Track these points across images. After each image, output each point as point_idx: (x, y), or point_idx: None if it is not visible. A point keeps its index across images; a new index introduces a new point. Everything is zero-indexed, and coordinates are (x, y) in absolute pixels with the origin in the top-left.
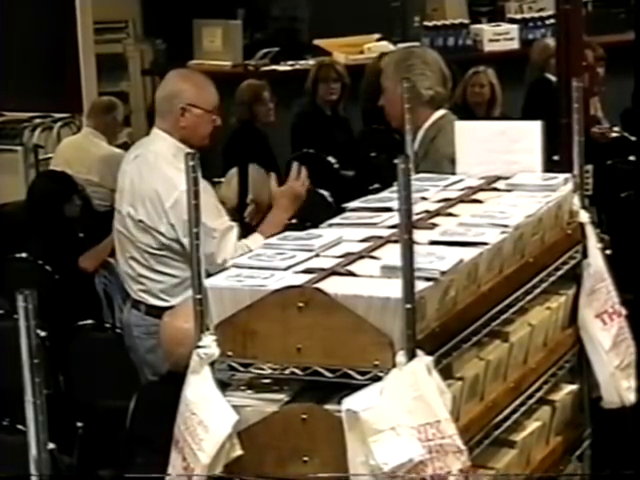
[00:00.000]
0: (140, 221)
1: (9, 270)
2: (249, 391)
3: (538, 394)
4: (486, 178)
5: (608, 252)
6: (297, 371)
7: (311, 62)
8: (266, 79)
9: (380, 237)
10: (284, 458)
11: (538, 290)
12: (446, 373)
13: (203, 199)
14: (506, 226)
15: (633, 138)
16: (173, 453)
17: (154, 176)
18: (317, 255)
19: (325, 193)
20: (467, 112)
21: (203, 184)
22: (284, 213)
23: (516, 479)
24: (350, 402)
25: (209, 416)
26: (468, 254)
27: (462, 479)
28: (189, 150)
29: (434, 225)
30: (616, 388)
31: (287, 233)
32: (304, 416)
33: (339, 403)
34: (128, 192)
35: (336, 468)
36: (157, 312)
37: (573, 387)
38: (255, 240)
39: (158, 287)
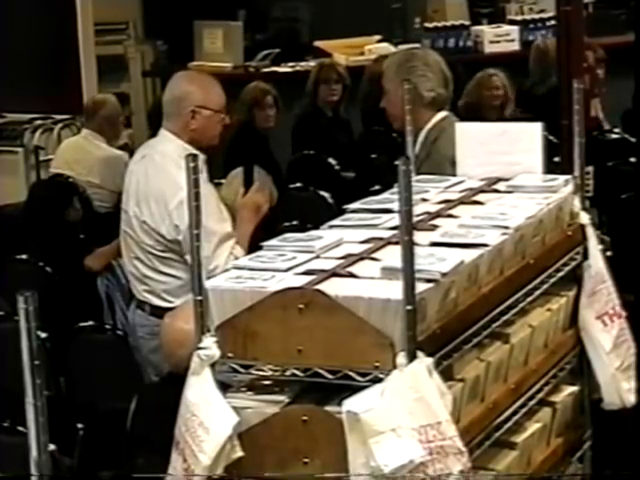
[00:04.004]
0: (144, 222)
1: (10, 271)
2: (250, 392)
3: (539, 395)
4: (487, 179)
5: (609, 253)
6: (298, 372)
7: (312, 63)
8: (270, 82)
9: (381, 238)
10: (285, 459)
11: (539, 291)
12: (447, 374)
13: (207, 201)
14: (507, 227)
15: (634, 139)
16: (174, 454)
17: (160, 177)
18: (318, 256)
19: (326, 194)
20: (478, 112)
21: (208, 187)
22: (246, 225)
23: None
24: (351, 403)
25: (210, 417)
26: (469, 255)
27: None
28: (195, 151)
29: (435, 226)
30: (617, 389)
31: (287, 235)
32: (305, 417)
33: (340, 404)
34: (134, 192)
35: (337, 469)
36: (161, 313)
37: (574, 388)
38: (239, 251)
39: (162, 288)
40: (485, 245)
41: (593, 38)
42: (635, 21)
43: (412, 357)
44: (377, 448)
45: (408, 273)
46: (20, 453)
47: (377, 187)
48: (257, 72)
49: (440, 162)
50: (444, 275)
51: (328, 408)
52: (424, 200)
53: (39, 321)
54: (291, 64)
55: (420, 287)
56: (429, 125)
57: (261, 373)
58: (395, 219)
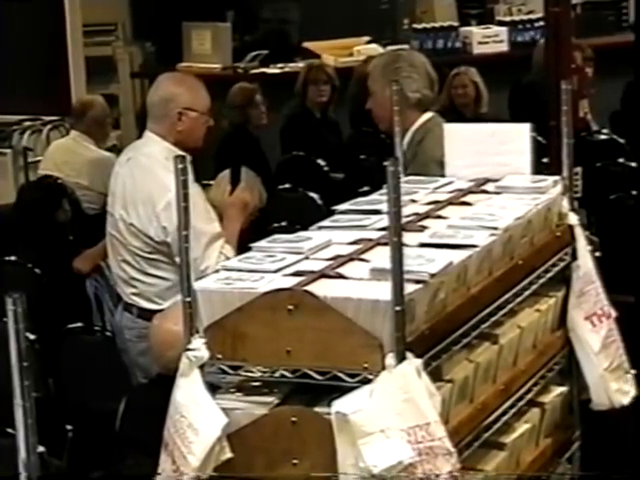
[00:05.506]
0: (131, 224)
1: None
2: (239, 394)
3: (527, 396)
4: (475, 180)
5: (597, 254)
6: (287, 374)
7: (300, 64)
8: (256, 82)
9: (370, 240)
10: (274, 461)
11: (527, 292)
12: (435, 375)
13: (195, 202)
14: (495, 228)
15: (622, 140)
16: (163, 456)
17: (147, 179)
18: (307, 258)
19: (314, 196)
20: (455, 114)
21: (196, 188)
22: (234, 223)
23: None
24: (340, 404)
25: (199, 419)
26: (457, 256)
27: None
28: (182, 153)
29: (423, 227)
30: (605, 390)
31: (276, 236)
32: (294, 419)
33: (329, 406)
34: (120, 195)
35: (326, 470)
36: (149, 315)
37: (562, 389)
38: (228, 250)
39: (150, 290)
40: (474, 246)
41: (581, 39)
42: (635, 22)
43: (401, 358)
44: (366, 449)
45: (397, 274)
46: (9, 455)
47: (366, 188)
48: (246, 73)
49: (426, 163)
50: (433, 276)
51: (317, 409)
52: (413, 201)
53: (28, 323)
54: (280, 65)
55: (409, 288)
56: (415, 126)
57: (250, 374)
58: (384, 220)
